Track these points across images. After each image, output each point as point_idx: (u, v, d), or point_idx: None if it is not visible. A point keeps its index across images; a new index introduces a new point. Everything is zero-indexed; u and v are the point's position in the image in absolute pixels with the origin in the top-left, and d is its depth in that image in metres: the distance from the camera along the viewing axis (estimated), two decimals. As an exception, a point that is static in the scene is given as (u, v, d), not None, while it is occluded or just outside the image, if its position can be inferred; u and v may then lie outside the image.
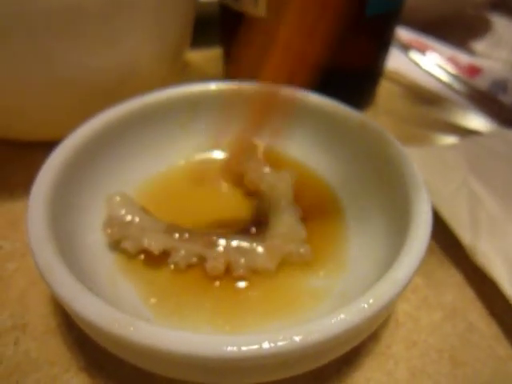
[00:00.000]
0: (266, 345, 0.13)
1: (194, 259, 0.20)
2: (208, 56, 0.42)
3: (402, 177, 0.20)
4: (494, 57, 0.48)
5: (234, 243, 0.20)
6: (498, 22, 0.56)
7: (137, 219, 0.20)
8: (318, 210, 0.23)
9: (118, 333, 0.13)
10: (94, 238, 0.20)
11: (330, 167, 0.25)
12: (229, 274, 0.20)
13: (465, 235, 0.23)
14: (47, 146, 0.20)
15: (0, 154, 0.28)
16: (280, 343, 0.13)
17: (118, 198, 0.21)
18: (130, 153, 0.24)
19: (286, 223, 0.21)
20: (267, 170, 0.24)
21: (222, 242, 0.20)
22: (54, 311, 0.20)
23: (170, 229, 0.20)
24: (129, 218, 0.20)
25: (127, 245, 0.20)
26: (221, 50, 0.38)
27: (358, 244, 0.21)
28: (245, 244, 0.20)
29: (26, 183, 0.19)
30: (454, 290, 0.22)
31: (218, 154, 0.26)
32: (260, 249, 0.20)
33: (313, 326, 0.14)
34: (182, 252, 0.20)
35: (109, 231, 0.20)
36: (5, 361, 0.18)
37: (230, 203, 0.24)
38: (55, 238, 0.16)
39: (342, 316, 0.14)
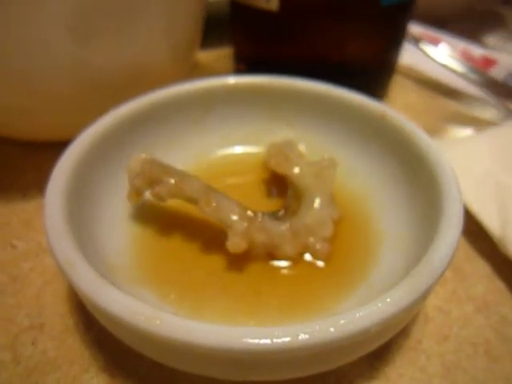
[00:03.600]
0: (301, 336, 0.12)
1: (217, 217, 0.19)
2: (218, 55, 0.42)
3: (430, 168, 0.19)
4: (506, 51, 0.48)
5: (259, 218, 0.19)
6: (510, 16, 0.56)
7: (168, 170, 0.20)
8: (348, 208, 0.22)
9: (144, 326, 0.12)
10: (113, 232, 0.20)
11: (351, 159, 0.24)
12: (249, 259, 0.19)
13: (494, 226, 0.22)
14: (59, 146, 0.20)
15: (12, 154, 0.28)
16: (316, 334, 0.12)
17: (143, 156, 0.20)
18: (142, 150, 0.23)
19: (313, 215, 0.20)
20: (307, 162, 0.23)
21: (249, 213, 0.19)
22: (71, 310, 0.19)
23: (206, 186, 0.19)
24: (157, 171, 0.20)
25: (158, 189, 0.19)
26: (231, 50, 0.37)
27: (386, 238, 0.20)
28: (270, 223, 0.19)
29: (38, 183, 0.19)
30: (484, 282, 0.21)
31: (233, 151, 0.26)
32: (284, 229, 0.19)
33: (348, 317, 0.13)
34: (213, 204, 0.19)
35: (136, 181, 0.19)
36: (23, 361, 0.17)
37: (260, 193, 0.23)
38: (74, 233, 0.16)
39: (380, 305, 0.13)
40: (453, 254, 0.15)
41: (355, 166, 0.24)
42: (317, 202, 0.20)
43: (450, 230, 0.16)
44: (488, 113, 0.35)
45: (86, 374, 0.17)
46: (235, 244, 0.18)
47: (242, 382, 0.16)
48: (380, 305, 0.13)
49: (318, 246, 0.19)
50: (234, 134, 0.26)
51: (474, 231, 0.23)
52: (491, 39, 0.51)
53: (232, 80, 0.25)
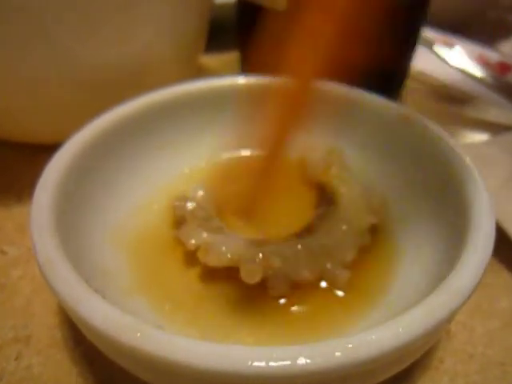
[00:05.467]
0: (300, 360, 0.11)
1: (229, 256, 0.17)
2: (224, 60, 0.41)
3: (456, 174, 0.17)
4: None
5: (277, 248, 0.17)
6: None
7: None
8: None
9: (123, 339, 0.11)
10: (107, 237, 0.18)
11: (370, 166, 0.22)
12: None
13: (519, 234, 0.20)
14: (56, 149, 0.19)
15: (8, 157, 0.27)
16: (318, 359, 0.11)
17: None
18: (148, 151, 0.22)
19: (334, 237, 0.18)
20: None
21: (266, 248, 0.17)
22: (60, 322, 0.18)
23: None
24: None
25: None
26: (237, 54, 0.36)
27: (406, 254, 0.18)
28: (288, 249, 0.17)
29: (34, 187, 0.17)
30: (510, 295, 0.19)
31: (244, 153, 0.24)
32: (299, 248, 0.17)
33: (358, 340, 0.11)
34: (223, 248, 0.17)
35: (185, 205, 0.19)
36: (5, 377, 0.16)
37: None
38: (60, 233, 0.15)
39: (396, 328, 0.12)
40: (483, 271, 0.13)
41: (374, 174, 0.22)
42: (345, 226, 0.18)
43: (481, 244, 0.14)
44: (504, 118, 0.33)
45: (73, 393, 0.15)
46: (251, 271, 0.16)
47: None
48: (398, 327, 0.12)
49: (337, 272, 0.17)
50: (251, 135, 0.24)
51: (499, 241, 0.21)
52: (505, 47, 0.49)
53: (247, 79, 0.24)
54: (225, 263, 0.16)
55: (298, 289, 0.17)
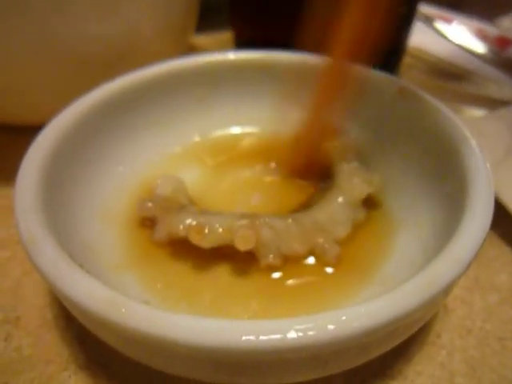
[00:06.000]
0: (291, 334, 0.10)
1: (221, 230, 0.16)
2: (217, 39, 0.40)
3: (454, 146, 0.17)
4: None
5: (264, 218, 0.17)
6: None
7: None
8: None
9: (107, 315, 0.10)
10: (95, 215, 0.18)
11: (368, 139, 0.22)
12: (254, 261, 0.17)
13: (518, 208, 0.20)
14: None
15: (-3, 139, 0.26)
16: (310, 332, 0.10)
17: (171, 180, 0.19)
18: (138, 128, 0.22)
19: (328, 212, 0.17)
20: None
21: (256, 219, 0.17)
22: (51, 303, 0.17)
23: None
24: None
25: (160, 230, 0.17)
26: (230, 33, 0.35)
27: (402, 227, 0.18)
28: (275, 219, 0.17)
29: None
30: (509, 270, 0.19)
31: (237, 130, 0.24)
32: (289, 222, 0.17)
33: (352, 313, 0.11)
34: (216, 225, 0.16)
35: (149, 205, 0.18)
36: (-6, 359, 0.16)
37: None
38: (45, 212, 0.14)
39: (392, 300, 0.11)
40: (482, 241, 0.13)
41: (372, 147, 0.21)
42: (340, 200, 0.18)
43: (480, 213, 0.14)
44: (503, 93, 0.33)
45: (64, 373, 0.15)
46: (243, 237, 0.16)
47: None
48: (393, 299, 0.11)
49: (326, 246, 0.17)
50: (244, 113, 0.24)
51: (498, 214, 0.21)
52: (504, 22, 0.48)
53: (239, 55, 0.23)
54: (219, 241, 0.16)
55: (292, 263, 0.17)
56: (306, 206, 0.19)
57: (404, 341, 0.16)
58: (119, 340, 0.12)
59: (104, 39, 0.23)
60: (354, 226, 0.18)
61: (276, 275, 0.16)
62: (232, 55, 0.23)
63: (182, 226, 0.17)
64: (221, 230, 0.16)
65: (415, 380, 0.15)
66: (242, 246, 0.16)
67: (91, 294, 0.11)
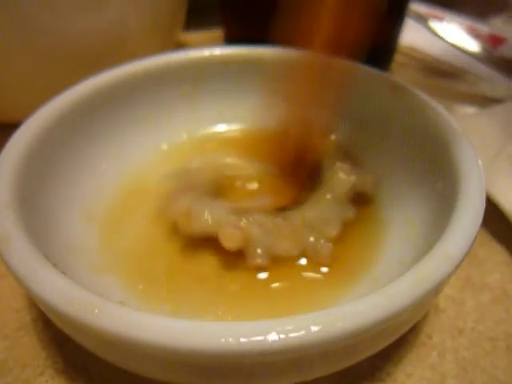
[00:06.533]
0: (272, 336, 0.10)
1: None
2: (207, 37, 0.39)
3: (446, 143, 0.16)
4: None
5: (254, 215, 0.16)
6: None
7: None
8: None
9: (79, 316, 0.10)
10: (75, 213, 0.17)
11: (356, 137, 0.21)
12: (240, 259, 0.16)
13: (511, 205, 0.19)
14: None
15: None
16: (292, 334, 0.10)
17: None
18: (122, 125, 0.21)
19: (319, 208, 0.17)
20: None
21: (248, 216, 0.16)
22: (29, 305, 0.17)
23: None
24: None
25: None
26: (220, 31, 0.35)
27: (393, 226, 0.17)
28: (269, 221, 0.16)
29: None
30: (501, 269, 0.19)
31: (224, 128, 0.23)
32: (279, 220, 0.16)
33: (337, 313, 0.10)
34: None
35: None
36: (-33, 364, 0.15)
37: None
38: (22, 209, 0.14)
39: (379, 299, 0.11)
40: (474, 237, 0.13)
41: (363, 144, 0.21)
42: (328, 197, 0.17)
43: (471, 210, 0.13)
44: (495, 91, 0.33)
45: (40, 378, 0.14)
46: (228, 235, 0.15)
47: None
48: (381, 298, 0.11)
49: (318, 247, 0.16)
50: (231, 109, 0.23)
51: (489, 212, 0.20)
52: (496, 22, 0.48)
53: (226, 50, 0.23)
54: (206, 230, 0.16)
55: (280, 263, 0.16)
56: (294, 203, 0.18)
57: (394, 342, 0.15)
58: (94, 343, 0.12)
59: (89, 34, 0.22)
60: (344, 224, 0.17)
61: (264, 275, 0.16)
62: (218, 50, 0.23)
63: (178, 205, 0.16)
64: (210, 220, 0.16)
65: (405, 382, 0.15)
66: (227, 244, 0.15)
67: (63, 294, 0.10)
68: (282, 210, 0.18)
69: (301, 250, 0.16)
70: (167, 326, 0.10)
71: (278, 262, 0.16)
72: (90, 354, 0.15)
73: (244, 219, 0.16)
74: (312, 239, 0.16)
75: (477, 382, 0.15)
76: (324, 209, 0.17)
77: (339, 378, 0.14)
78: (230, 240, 0.16)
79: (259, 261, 0.16)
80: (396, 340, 0.15)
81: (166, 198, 0.18)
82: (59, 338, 0.16)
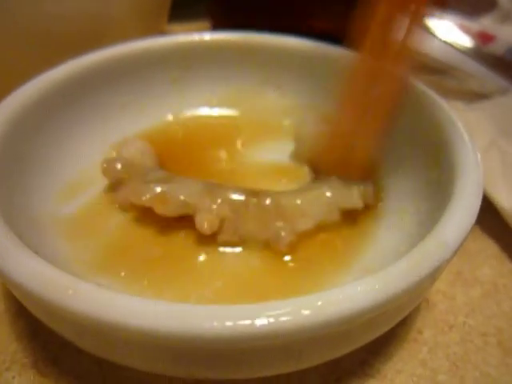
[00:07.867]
0: (261, 320, 0.09)
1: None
2: (194, 28, 0.38)
3: (443, 131, 0.16)
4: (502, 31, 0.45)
5: (235, 197, 0.16)
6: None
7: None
8: None
9: (52, 298, 0.09)
10: (55, 198, 0.16)
11: None
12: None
13: (502, 199, 0.19)
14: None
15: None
16: (282, 318, 0.09)
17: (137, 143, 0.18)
18: (107, 109, 0.20)
19: (299, 202, 0.16)
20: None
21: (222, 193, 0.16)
22: (2, 295, 0.16)
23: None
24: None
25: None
26: (208, 23, 0.34)
27: (385, 214, 0.17)
28: (241, 198, 0.16)
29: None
30: (492, 263, 0.18)
31: (210, 111, 0.22)
32: (253, 209, 0.16)
33: (328, 297, 0.10)
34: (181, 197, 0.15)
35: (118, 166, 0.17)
36: None
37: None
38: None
39: (374, 283, 0.10)
40: (471, 225, 0.12)
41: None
42: (321, 197, 0.16)
43: (468, 199, 0.13)
44: (485, 87, 0.32)
45: (6, 373, 0.13)
46: (205, 221, 0.15)
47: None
48: (375, 282, 0.10)
49: (283, 234, 0.15)
50: (219, 95, 0.22)
51: (481, 207, 0.20)
52: (486, 20, 0.48)
53: (213, 36, 0.22)
54: (183, 210, 0.15)
55: (268, 248, 0.16)
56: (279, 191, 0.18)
57: (383, 337, 0.15)
58: (69, 328, 0.11)
59: (70, 20, 0.21)
60: (320, 227, 0.16)
61: (254, 262, 0.15)
62: (208, 36, 0.22)
63: (145, 197, 0.16)
64: (184, 199, 0.15)
65: (395, 379, 0.14)
66: (203, 229, 0.15)
67: (35, 274, 0.09)
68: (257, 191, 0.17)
69: (268, 234, 0.16)
70: (146, 308, 0.09)
71: (268, 248, 0.16)
72: (61, 347, 0.14)
73: (219, 200, 0.15)
74: (279, 225, 0.16)
75: (468, 378, 0.14)
76: (306, 203, 0.16)
77: (328, 373, 0.14)
78: (207, 226, 0.15)
79: (228, 237, 0.15)
80: (386, 335, 0.15)
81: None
82: (31, 330, 0.15)
